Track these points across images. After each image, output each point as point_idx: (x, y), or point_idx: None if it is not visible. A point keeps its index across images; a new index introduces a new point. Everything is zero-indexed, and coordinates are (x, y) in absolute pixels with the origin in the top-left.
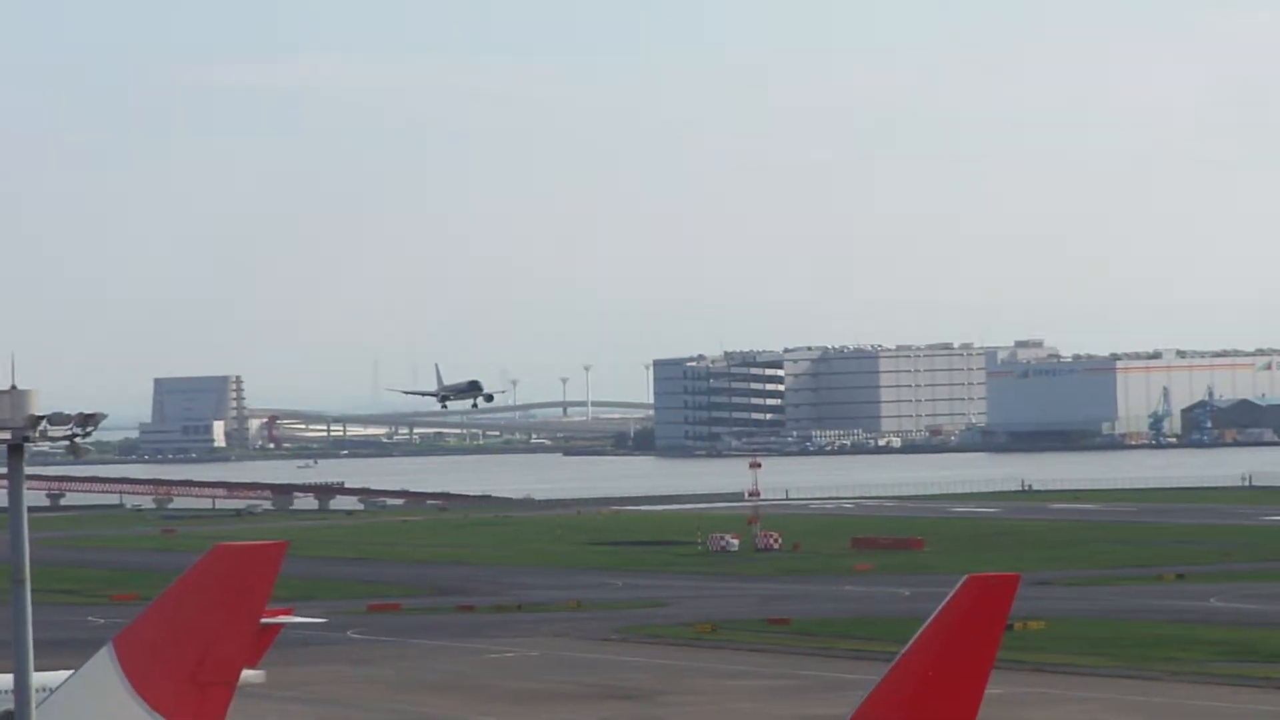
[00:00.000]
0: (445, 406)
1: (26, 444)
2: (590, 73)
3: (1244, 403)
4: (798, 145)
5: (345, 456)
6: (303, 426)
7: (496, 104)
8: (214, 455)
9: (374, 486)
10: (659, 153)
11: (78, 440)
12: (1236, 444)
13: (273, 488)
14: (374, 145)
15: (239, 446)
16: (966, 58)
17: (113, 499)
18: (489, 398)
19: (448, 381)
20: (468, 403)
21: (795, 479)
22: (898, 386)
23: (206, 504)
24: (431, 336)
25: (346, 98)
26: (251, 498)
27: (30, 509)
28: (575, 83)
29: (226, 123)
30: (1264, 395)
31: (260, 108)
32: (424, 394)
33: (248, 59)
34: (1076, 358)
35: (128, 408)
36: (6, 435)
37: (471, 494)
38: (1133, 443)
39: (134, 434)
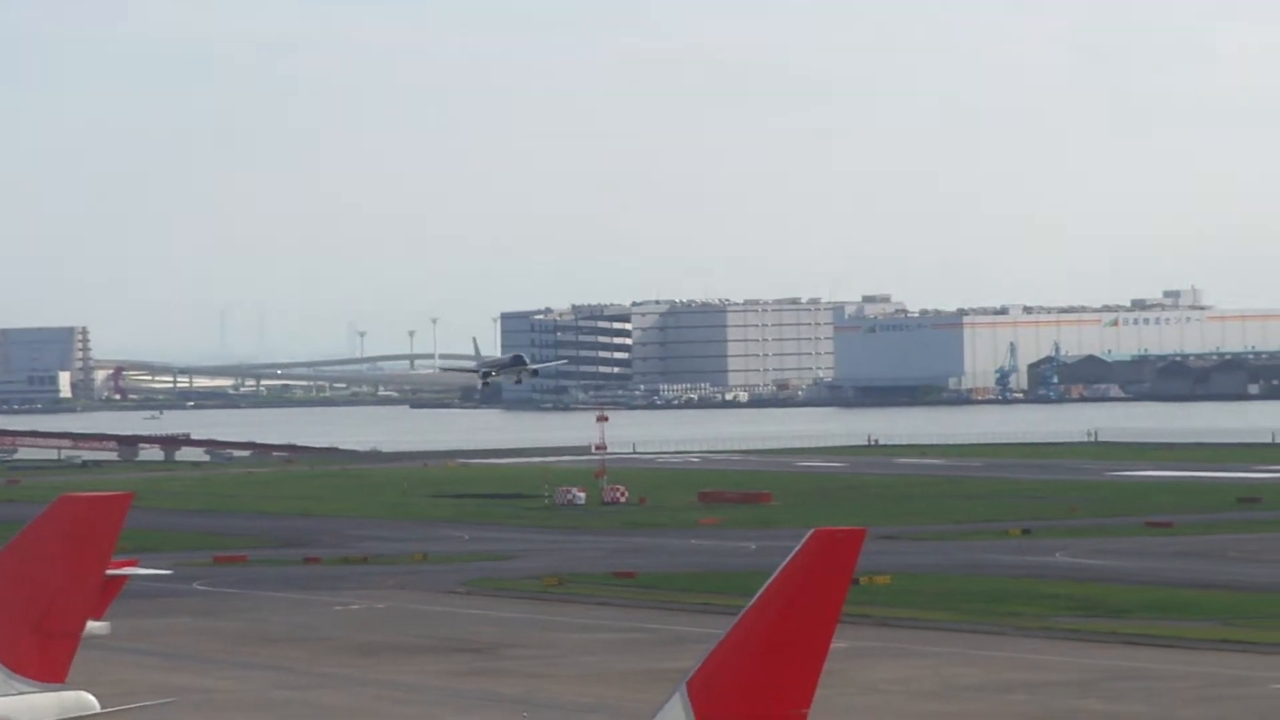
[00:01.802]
0: (487, 384)
1: None
2: (433, 20)
3: (1090, 359)
4: (640, 99)
5: (191, 408)
6: (149, 378)
7: (337, 50)
8: (59, 406)
9: (220, 438)
10: (500, 105)
11: None
12: (1083, 400)
13: (118, 439)
14: (219, 95)
15: (85, 397)
16: (817, 12)
17: None
18: (534, 373)
19: (487, 355)
20: (511, 378)
21: (642, 433)
22: (745, 341)
23: (52, 455)
24: (278, 288)
25: (190, 48)
26: (97, 448)
27: None
28: (421, 31)
29: (72, 72)
30: (1110, 351)
31: (109, 58)
32: (463, 369)
33: (91, 6)
34: (924, 313)
35: None
36: None
37: (318, 446)
38: (979, 398)
39: None
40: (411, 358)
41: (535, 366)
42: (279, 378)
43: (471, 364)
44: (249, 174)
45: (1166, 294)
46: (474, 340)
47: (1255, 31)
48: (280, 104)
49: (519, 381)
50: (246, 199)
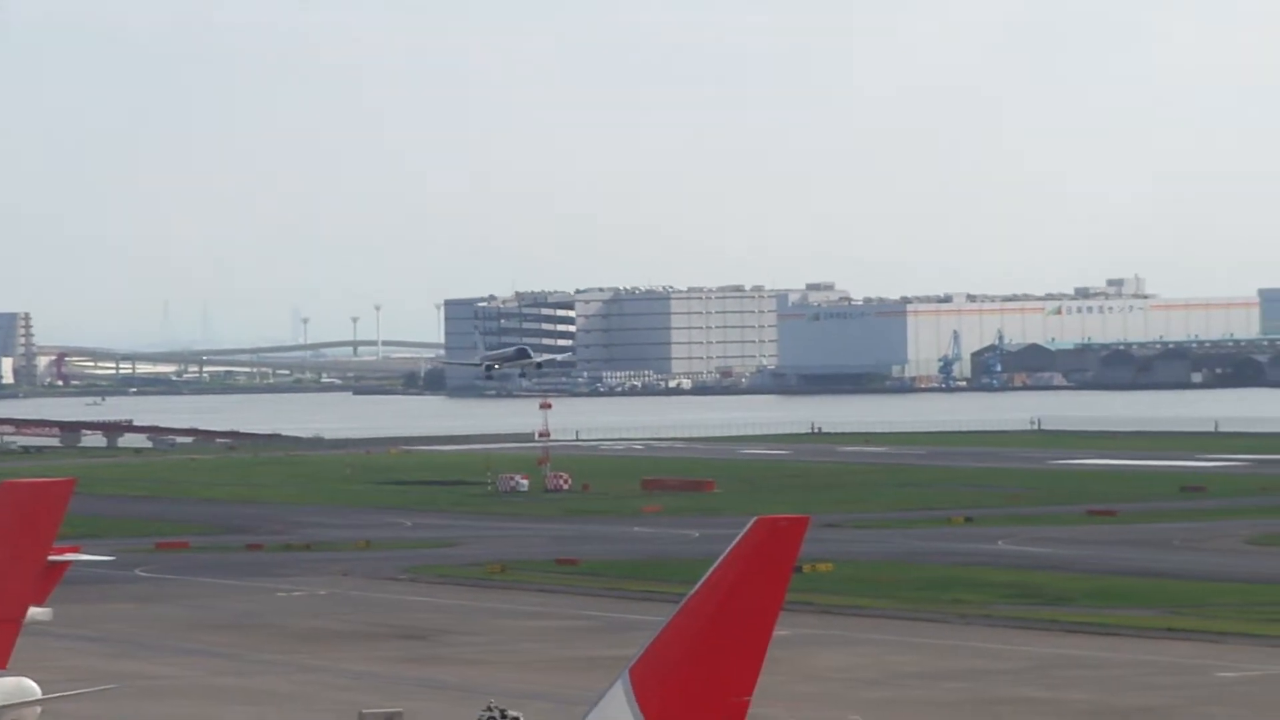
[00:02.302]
0: (490, 376)
1: None
2: (383, 6)
3: (1034, 347)
4: (579, 85)
5: (134, 394)
6: (92, 364)
7: (287, 32)
8: (2, 392)
9: (163, 424)
10: (439, 93)
11: None
12: (1026, 388)
13: (61, 425)
14: (163, 81)
15: (27, 383)
16: None
17: None
18: (538, 366)
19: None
20: (515, 370)
21: (586, 420)
22: (689, 328)
23: None
24: (221, 275)
25: (135, 32)
26: (39, 434)
27: None
28: (370, 16)
29: (12, 59)
30: (1053, 340)
31: (52, 43)
32: (466, 363)
33: None
34: (867, 301)
35: None
36: None
37: (261, 433)
38: (923, 386)
39: None
40: (355, 344)
41: (539, 359)
42: (222, 364)
43: (475, 357)
44: (192, 161)
45: (1110, 283)
46: (478, 333)
47: (1199, 21)
48: (226, 90)
49: (523, 375)
50: (190, 186)
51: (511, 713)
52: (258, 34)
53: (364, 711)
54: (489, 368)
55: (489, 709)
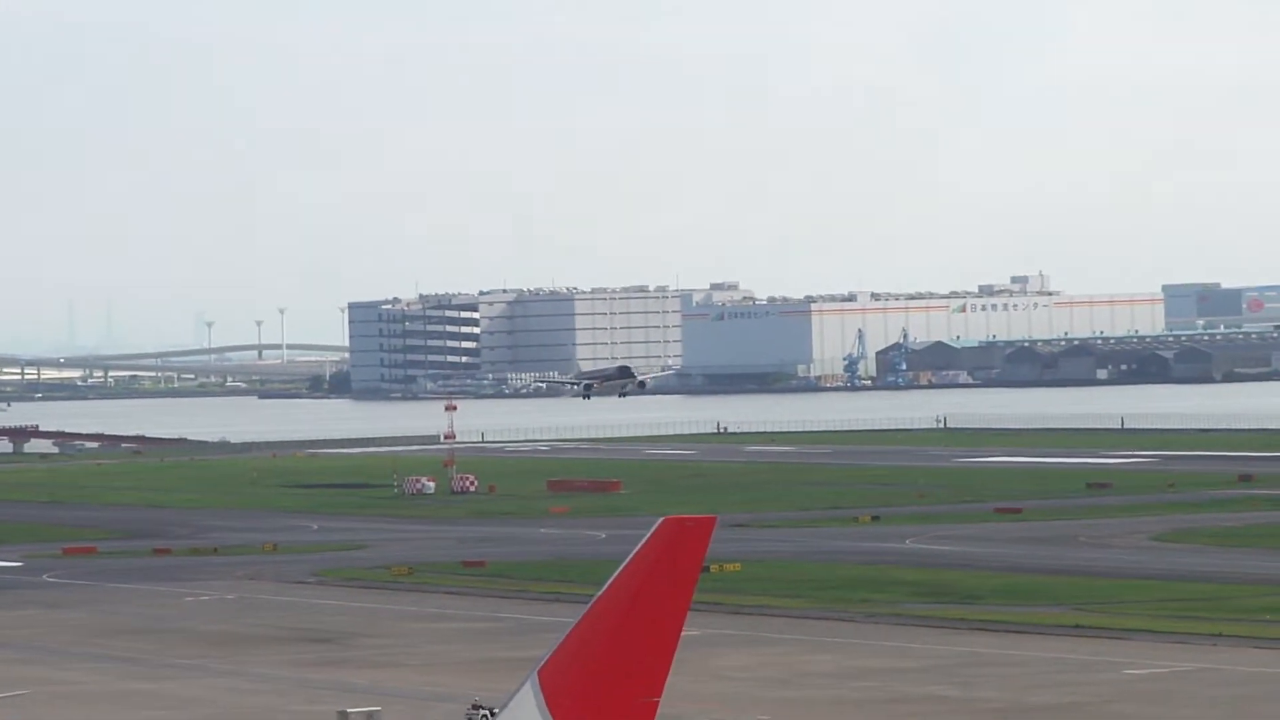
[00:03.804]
0: (588, 398)
1: None
2: (273, 6)
3: (938, 345)
4: (483, 87)
5: (39, 399)
6: None
7: (178, 37)
8: None
9: (69, 429)
10: (342, 95)
11: None
12: (931, 386)
13: None
14: (65, 83)
15: None
16: None
17: None
18: (641, 385)
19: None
20: (613, 394)
21: (491, 421)
22: (593, 329)
23: None
24: (127, 279)
25: (45, 36)
26: None
27: None
28: (264, 18)
29: None
30: (958, 337)
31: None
32: (564, 383)
33: None
34: (771, 300)
35: None
36: None
37: (167, 437)
38: (828, 385)
39: None
40: (259, 348)
41: (644, 378)
42: (127, 369)
43: (568, 377)
44: (95, 165)
45: (1014, 280)
46: (574, 352)
47: (1098, 21)
48: (120, 91)
49: (624, 395)
50: (94, 190)
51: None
52: (133, 35)
53: (344, 710)
54: (588, 387)
55: (475, 707)
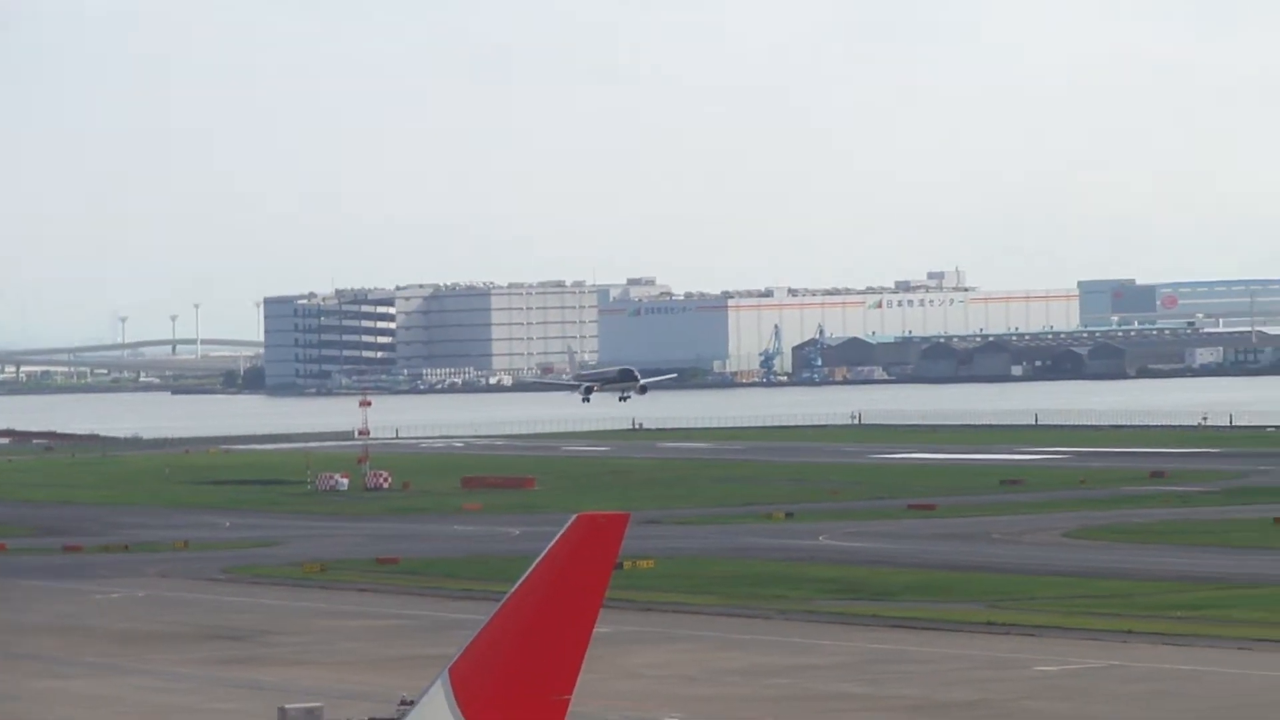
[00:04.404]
0: (587, 400)
1: None
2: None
3: (854, 341)
4: (403, 80)
5: None
6: None
7: (89, 27)
8: None
9: None
10: (260, 89)
11: None
12: (847, 382)
13: None
14: None
15: None
16: None
17: None
18: (643, 389)
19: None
20: (614, 395)
21: (406, 417)
22: (509, 324)
23: None
24: (40, 274)
25: None
26: None
27: None
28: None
29: None
30: (874, 333)
31: None
32: (561, 385)
33: None
34: (688, 295)
35: None
36: None
37: (78, 433)
38: (744, 381)
39: None
40: (174, 343)
41: (645, 381)
42: (39, 364)
43: (566, 377)
44: (6, 158)
45: (930, 276)
46: (569, 349)
47: (1017, 18)
48: (31, 82)
49: (624, 399)
50: (4, 184)
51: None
52: (68, 23)
53: (284, 707)
54: (587, 389)
55: (403, 703)
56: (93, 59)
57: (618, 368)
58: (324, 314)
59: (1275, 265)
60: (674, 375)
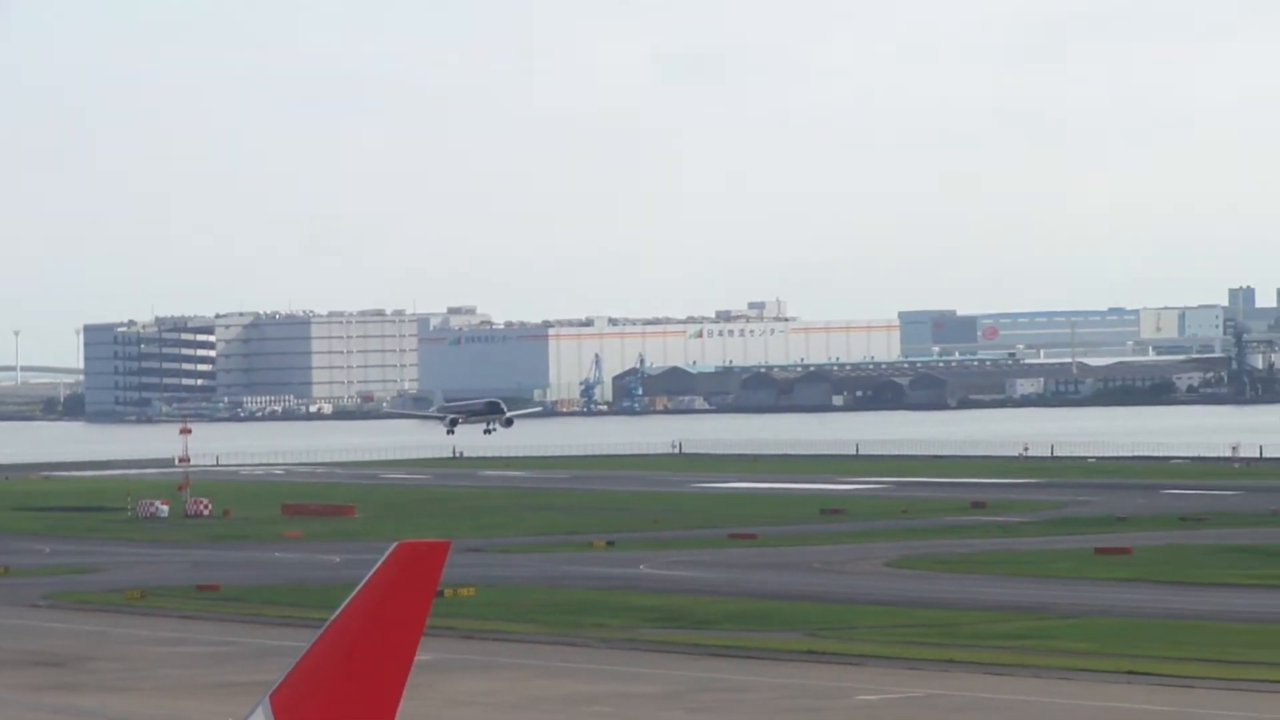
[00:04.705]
0: (452, 432)
1: None
2: (34, 21)
3: (675, 370)
4: (219, 106)
5: None
6: None
7: None
8: None
9: None
10: (77, 112)
11: None
12: (667, 411)
13: None
14: None
15: None
16: (404, 16)
17: None
18: (509, 422)
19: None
20: (477, 427)
21: (226, 445)
22: (329, 353)
23: None
24: None
25: None
26: None
27: None
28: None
29: None
30: (694, 363)
31: None
32: (425, 415)
33: None
34: (509, 324)
35: None
36: None
37: None
38: (565, 410)
39: None
40: None
41: (512, 415)
42: None
43: (430, 409)
44: None
45: (751, 306)
46: (436, 394)
47: (838, 50)
48: None
49: (489, 431)
50: None
51: None
52: None
53: None
54: (452, 420)
55: None
56: None
57: (484, 400)
58: (144, 341)
59: (1096, 297)
60: (539, 409)
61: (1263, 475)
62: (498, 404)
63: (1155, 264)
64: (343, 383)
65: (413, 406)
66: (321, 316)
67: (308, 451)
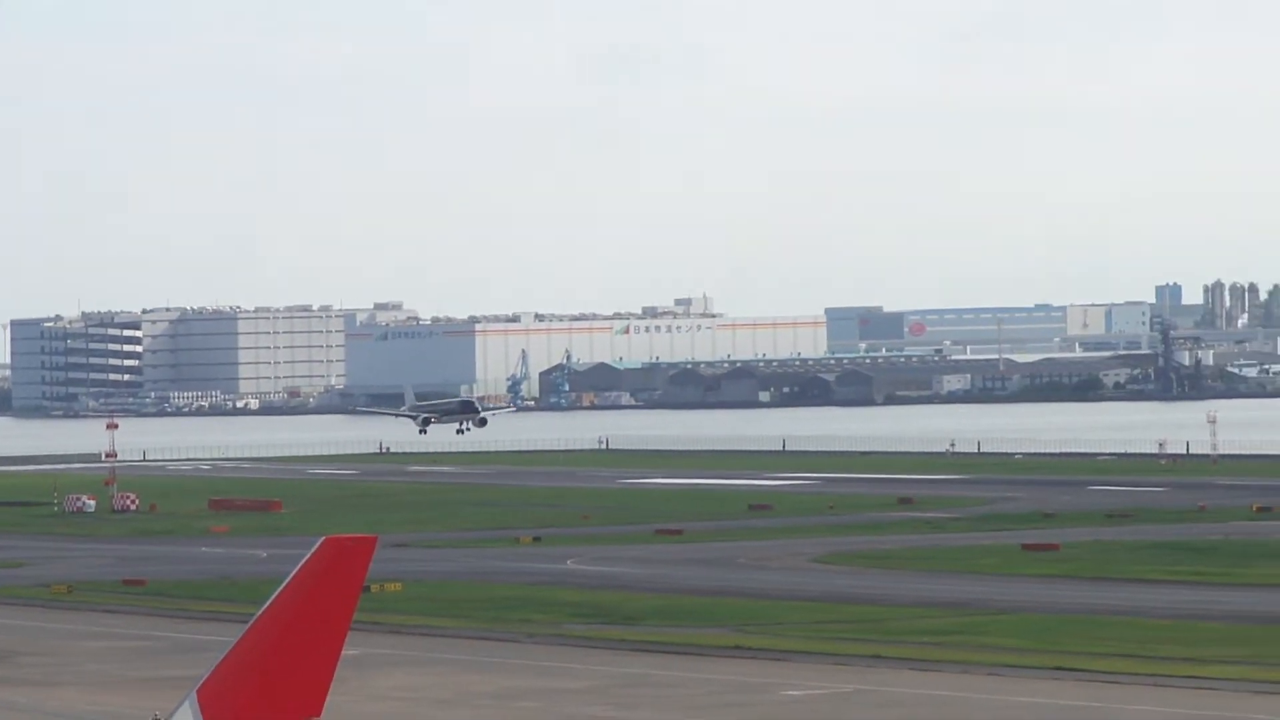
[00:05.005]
0: (424, 432)
1: None
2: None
3: (601, 366)
4: (155, 101)
5: None
6: None
7: None
8: None
9: None
10: (16, 104)
11: None
12: (594, 407)
13: None
14: None
15: None
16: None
17: None
18: (483, 422)
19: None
20: (450, 426)
21: (153, 440)
22: (256, 348)
23: None
24: None
25: None
26: None
27: None
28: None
29: None
30: (621, 359)
31: None
32: (397, 413)
33: None
34: (435, 320)
35: None
36: None
37: None
38: (491, 405)
39: None
40: None
41: (485, 414)
42: None
43: (404, 407)
44: None
45: (678, 302)
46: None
47: (753, 44)
48: None
49: (463, 431)
50: None
51: None
52: None
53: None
54: (425, 420)
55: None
56: None
57: (458, 399)
58: (70, 336)
59: (1023, 293)
60: (512, 409)
61: (1189, 471)
62: (472, 403)
63: (1082, 261)
64: (270, 378)
65: (339, 402)
66: (248, 312)
67: (235, 447)
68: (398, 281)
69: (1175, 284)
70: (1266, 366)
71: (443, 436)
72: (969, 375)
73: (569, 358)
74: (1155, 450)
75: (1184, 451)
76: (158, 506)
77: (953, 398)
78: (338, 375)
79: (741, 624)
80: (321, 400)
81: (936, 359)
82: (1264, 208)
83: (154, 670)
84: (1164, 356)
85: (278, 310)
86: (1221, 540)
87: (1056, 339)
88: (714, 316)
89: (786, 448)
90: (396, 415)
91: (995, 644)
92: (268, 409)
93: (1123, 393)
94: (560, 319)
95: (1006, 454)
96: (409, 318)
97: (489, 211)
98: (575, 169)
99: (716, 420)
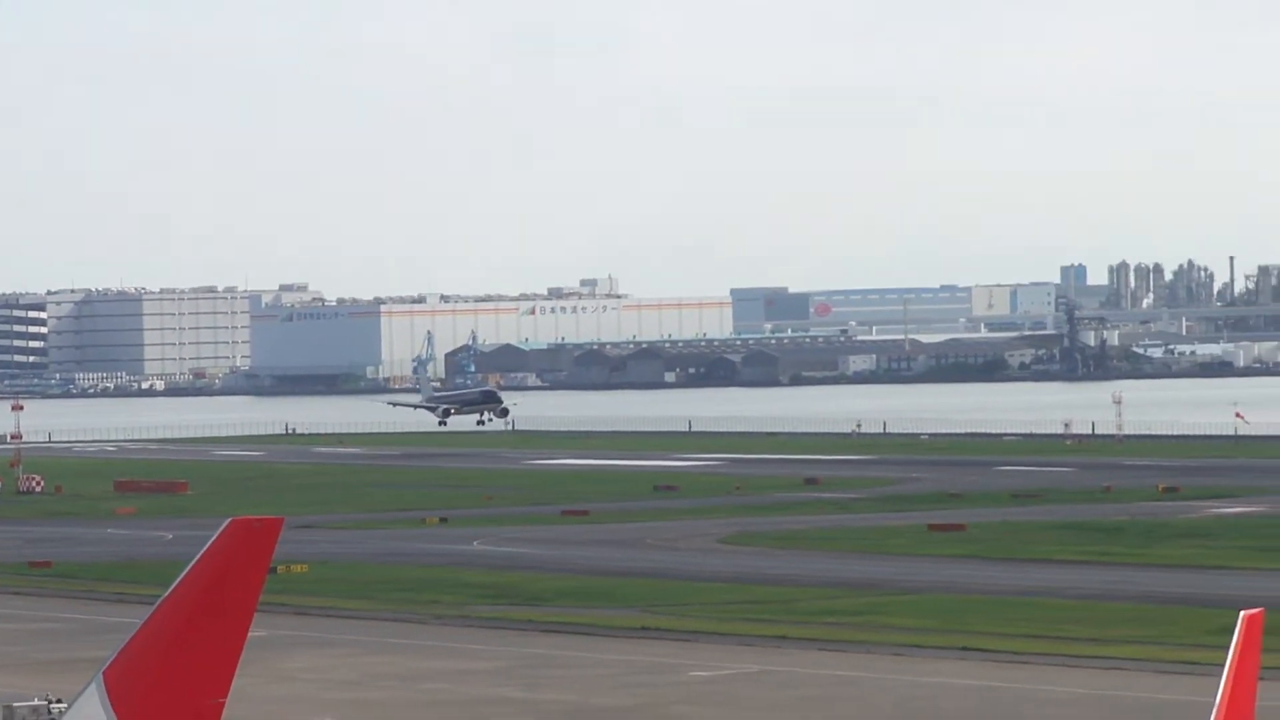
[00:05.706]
0: (444, 424)
1: None
2: None
3: (507, 347)
4: (51, 84)
5: None
6: None
7: None
8: None
9: None
10: None
11: None
12: (500, 388)
13: None
14: None
15: None
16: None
17: None
18: (504, 412)
19: (440, 389)
20: (471, 418)
21: (58, 422)
22: (161, 330)
23: None
24: None
25: None
26: None
27: None
28: None
29: None
30: (527, 340)
31: None
32: (414, 405)
33: None
34: (341, 301)
35: None
36: None
37: None
38: (397, 387)
39: None
40: None
41: (508, 404)
42: None
43: (421, 398)
44: None
45: (583, 283)
46: (416, 365)
47: (671, 26)
48: None
49: (482, 422)
50: None
51: (55, 700)
52: None
53: (11, 705)
54: (445, 411)
55: (46, 699)
56: None
57: (479, 389)
58: None
59: (928, 274)
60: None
61: (1094, 452)
62: (493, 393)
63: (987, 242)
64: (175, 359)
65: (245, 383)
66: (153, 294)
67: (140, 428)
68: (303, 263)
69: (1080, 265)
70: (1171, 347)
71: (350, 417)
72: (874, 356)
73: (474, 339)
74: (1061, 431)
75: (1090, 432)
76: (63, 488)
77: (858, 378)
78: (243, 356)
79: (648, 605)
80: (227, 381)
81: (842, 340)
82: (1168, 189)
83: (59, 652)
84: (1069, 337)
85: (183, 291)
86: (1127, 520)
87: (962, 320)
88: (619, 297)
89: (692, 428)
90: (415, 407)
91: (902, 624)
92: (173, 390)
93: (1028, 373)
94: (466, 300)
95: (913, 435)
96: (314, 299)
97: (395, 193)
98: (481, 149)
99: (622, 401)
